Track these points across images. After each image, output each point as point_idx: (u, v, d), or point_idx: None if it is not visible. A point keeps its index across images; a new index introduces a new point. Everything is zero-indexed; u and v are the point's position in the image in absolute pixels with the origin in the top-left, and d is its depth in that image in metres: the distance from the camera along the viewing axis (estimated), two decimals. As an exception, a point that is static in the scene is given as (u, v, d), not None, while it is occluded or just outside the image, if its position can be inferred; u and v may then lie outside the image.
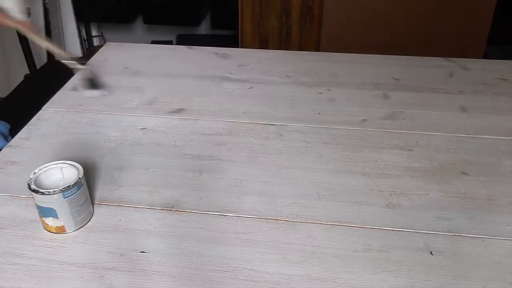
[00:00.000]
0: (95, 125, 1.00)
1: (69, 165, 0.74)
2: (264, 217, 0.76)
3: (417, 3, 1.99)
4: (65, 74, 1.20)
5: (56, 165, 0.75)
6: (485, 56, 2.10)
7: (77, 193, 0.71)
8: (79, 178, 0.71)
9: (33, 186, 0.70)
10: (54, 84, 1.15)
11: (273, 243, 0.71)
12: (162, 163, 0.88)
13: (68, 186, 0.69)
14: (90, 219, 0.75)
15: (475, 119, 1.02)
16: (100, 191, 0.81)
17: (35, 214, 0.73)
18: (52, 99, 1.10)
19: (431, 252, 0.70)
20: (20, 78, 1.87)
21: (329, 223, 0.75)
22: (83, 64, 0.86)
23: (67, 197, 0.70)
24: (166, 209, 0.78)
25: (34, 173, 0.72)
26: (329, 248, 0.71)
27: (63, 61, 0.85)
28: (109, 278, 0.66)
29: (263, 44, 2.20)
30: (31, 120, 1.02)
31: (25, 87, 1.75)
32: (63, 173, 0.74)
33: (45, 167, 0.74)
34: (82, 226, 0.74)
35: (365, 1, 2.01)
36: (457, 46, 2.01)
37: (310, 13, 2.10)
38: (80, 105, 1.06)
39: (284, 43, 2.19)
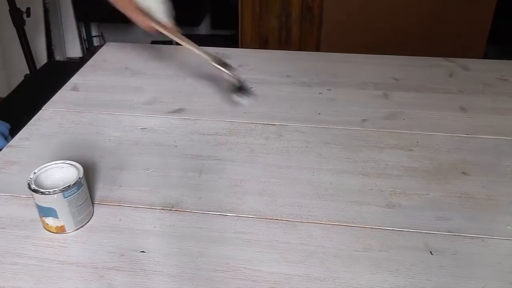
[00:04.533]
0: (95, 125, 1.00)
1: (69, 165, 0.74)
2: (264, 217, 0.76)
3: (417, 3, 1.99)
4: (65, 74, 1.20)
5: (56, 165, 0.75)
6: (485, 56, 2.10)
7: (77, 193, 0.71)
8: (79, 178, 0.71)
9: (33, 186, 0.70)
10: (54, 84, 1.15)
11: (273, 243, 0.71)
12: (162, 163, 0.88)
13: (68, 186, 0.70)
14: (90, 219, 0.75)
15: (475, 119, 1.02)
16: (100, 191, 0.81)
17: (35, 214, 0.73)
18: (52, 99, 1.10)
19: (431, 252, 0.70)
20: (20, 78, 1.87)
21: (329, 223, 0.75)
22: (231, 70, 0.83)
23: (67, 197, 0.70)
24: (166, 209, 0.78)
25: (34, 173, 0.72)
26: (329, 248, 0.71)
27: (213, 64, 0.82)
28: (109, 278, 0.66)
29: (263, 44, 2.21)
30: (31, 120, 1.02)
31: (25, 87, 1.75)
32: (63, 173, 0.74)
33: (45, 167, 0.74)
34: (82, 226, 0.74)
35: (365, 1, 2.01)
36: (457, 46, 2.01)
37: (310, 13, 2.11)
38: (80, 105, 1.06)
39: (284, 43, 2.19)
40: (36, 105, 1.07)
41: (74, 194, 0.71)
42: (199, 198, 0.80)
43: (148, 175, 0.86)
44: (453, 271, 0.67)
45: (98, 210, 0.78)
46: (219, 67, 0.82)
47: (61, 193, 0.69)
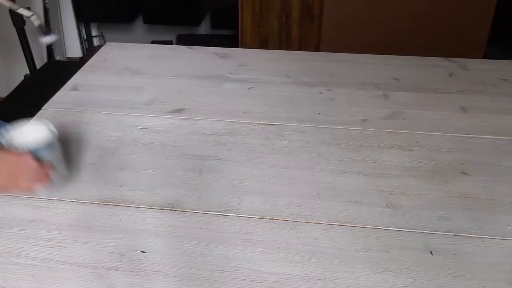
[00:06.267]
0: (95, 125, 1.00)
1: (45, 128, 0.77)
2: (264, 217, 0.76)
3: (417, 3, 1.99)
4: (65, 74, 1.20)
5: (34, 126, 0.77)
6: (485, 56, 2.09)
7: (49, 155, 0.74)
8: (50, 141, 0.74)
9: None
10: (54, 84, 1.15)
11: (273, 243, 0.71)
12: (162, 163, 0.88)
13: (38, 148, 0.72)
14: (65, 183, 0.78)
15: (475, 119, 1.02)
16: (100, 191, 0.81)
17: (35, 214, 0.73)
18: (52, 99, 1.10)
19: (431, 252, 0.70)
20: (20, 78, 1.87)
21: (329, 223, 0.75)
22: (33, 13, 0.88)
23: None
24: (166, 209, 0.78)
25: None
26: (329, 248, 0.71)
27: (15, 10, 0.87)
28: (109, 278, 0.66)
29: (263, 44, 2.20)
30: (31, 120, 1.02)
31: (25, 87, 1.75)
32: (38, 133, 0.76)
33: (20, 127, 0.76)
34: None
35: (365, 1, 2.01)
36: (457, 46, 2.01)
37: (310, 13, 2.10)
38: (80, 105, 1.06)
39: (284, 43, 2.19)
40: (36, 105, 1.07)
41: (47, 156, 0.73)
42: (199, 198, 0.80)
43: (148, 175, 0.86)
44: (453, 271, 0.67)
45: (98, 210, 0.78)
46: (20, 11, 0.89)
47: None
